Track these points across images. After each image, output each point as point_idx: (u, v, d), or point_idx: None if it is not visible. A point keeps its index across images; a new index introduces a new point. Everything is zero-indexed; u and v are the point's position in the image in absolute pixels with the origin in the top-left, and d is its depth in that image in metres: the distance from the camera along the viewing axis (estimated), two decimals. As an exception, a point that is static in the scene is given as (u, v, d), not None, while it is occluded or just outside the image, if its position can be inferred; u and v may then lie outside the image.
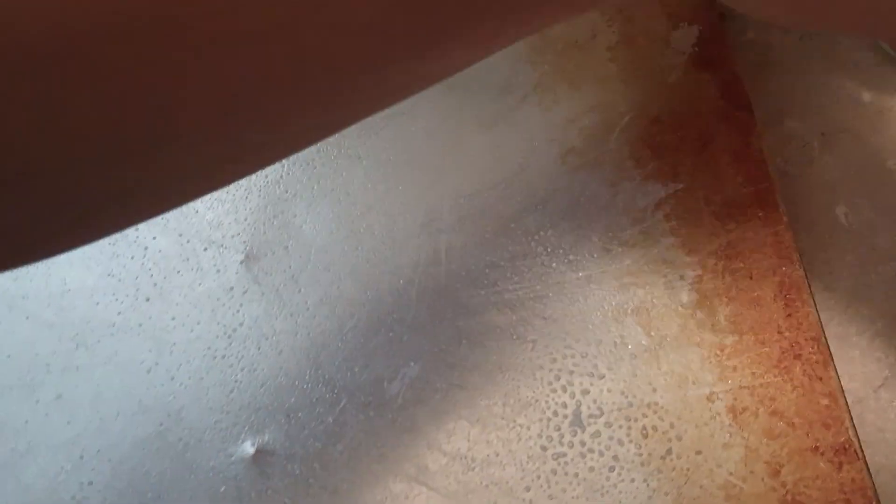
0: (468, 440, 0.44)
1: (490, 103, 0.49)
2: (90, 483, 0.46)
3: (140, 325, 0.49)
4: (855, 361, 0.43)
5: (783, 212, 0.45)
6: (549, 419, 0.44)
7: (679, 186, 0.46)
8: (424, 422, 0.45)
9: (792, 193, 0.46)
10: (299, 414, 0.46)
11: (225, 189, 0.51)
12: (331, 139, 0.50)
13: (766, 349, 0.43)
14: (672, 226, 0.46)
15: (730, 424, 0.42)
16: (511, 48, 0.52)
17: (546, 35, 0.50)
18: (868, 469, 0.41)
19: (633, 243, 0.46)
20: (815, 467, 0.41)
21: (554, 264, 0.46)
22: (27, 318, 0.50)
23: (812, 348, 0.43)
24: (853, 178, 0.47)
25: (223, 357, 0.48)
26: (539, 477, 0.43)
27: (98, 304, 0.50)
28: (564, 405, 0.44)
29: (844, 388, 0.42)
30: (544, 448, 0.43)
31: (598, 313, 0.45)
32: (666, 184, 0.47)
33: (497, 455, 0.44)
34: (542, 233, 0.47)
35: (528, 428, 0.44)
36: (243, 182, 0.51)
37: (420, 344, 0.46)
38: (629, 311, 0.45)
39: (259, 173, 0.51)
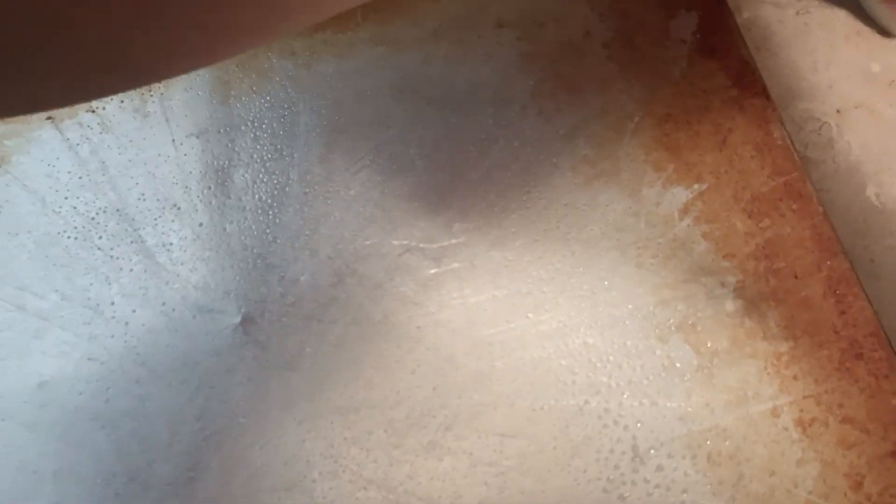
0: (523, 493, 0.39)
1: (487, 120, 0.44)
2: None
3: (133, 409, 0.42)
4: (919, 353, 0.39)
5: (817, 202, 0.41)
6: (605, 458, 0.39)
7: (703, 187, 0.42)
8: (471, 482, 0.39)
9: (818, 179, 0.42)
10: None
11: (202, 246, 0.44)
12: (322, 173, 0.44)
13: (825, 352, 0.39)
14: (703, 231, 0.41)
15: (800, 439, 0.38)
16: (498, 59, 0.47)
17: (535, 38, 0.45)
18: (953, 468, 0.37)
19: (666, 254, 0.41)
20: (898, 473, 0.37)
21: (586, 286, 0.41)
22: (3, 420, 0.43)
23: (873, 345, 0.39)
24: (877, 156, 0.43)
25: (241, 420, 0.41)
26: (607, 524, 0.38)
27: (81, 394, 0.43)
28: (619, 440, 0.39)
29: (914, 385, 0.38)
30: (606, 491, 0.38)
31: (641, 335, 0.40)
32: (689, 186, 0.42)
33: (558, 506, 0.38)
34: (566, 254, 0.42)
35: (585, 471, 0.39)
36: (221, 234, 0.44)
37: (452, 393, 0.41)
38: (673, 329, 0.40)
39: (239, 225, 0.44)
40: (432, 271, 0.42)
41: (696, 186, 0.42)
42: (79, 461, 0.42)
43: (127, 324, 0.44)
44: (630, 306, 0.41)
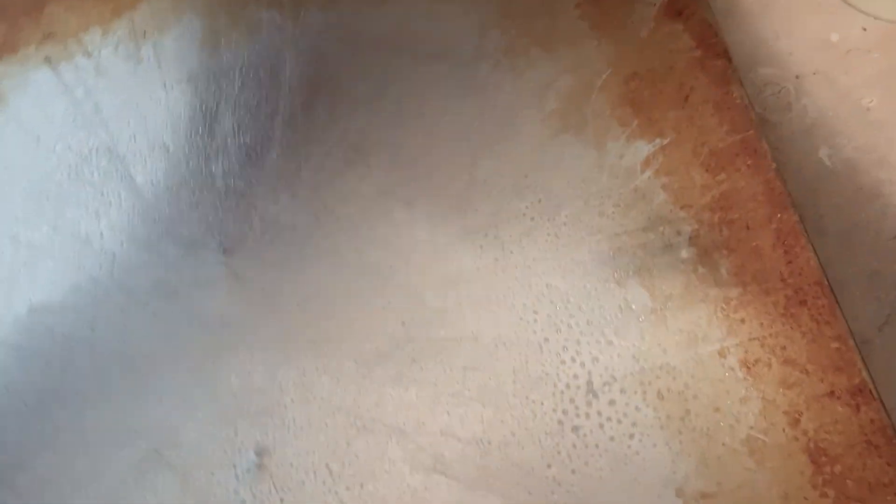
0: (482, 423, 0.41)
1: (463, 73, 0.45)
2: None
3: (120, 339, 0.44)
4: (856, 303, 0.41)
5: (771, 158, 0.43)
6: (562, 392, 0.41)
7: (665, 142, 0.43)
8: (434, 411, 0.41)
9: (774, 139, 0.44)
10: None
11: (188, 184, 0.46)
12: (304, 120, 0.46)
13: (772, 298, 0.41)
14: (663, 182, 0.43)
15: (744, 378, 0.40)
16: (476, 14, 0.48)
17: (511, -2, 0.47)
18: (885, 408, 0.39)
19: (627, 203, 0.43)
20: (834, 412, 0.39)
21: (549, 231, 0.43)
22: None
23: (816, 293, 0.40)
24: (831, 120, 0.44)
25: (210, 357, 0.43)
26: (559, 452, 0.40)
27: (68, 317, 0.45)
28: (576, 376, 0.41)
29: (853, 332, 0.40)
30: (561, 422, 0.40)
31: (600, 278, 0.42)
32: (652, 140, 0.43)
33: (514, 435, 0.40)
34: (533, 201, 0.43)
35: (542, 403, 0.41)
36: (207, 173, 0.46)
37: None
38: (631, 273, 0.42)
39: (224, 167, 0.46)
40: (404, 215, 0.44)
41: (657, 141, 0.43)
42: (62, 383, 0.44)
43: (114, 256, 0.45)
44: (590, 251, 0.42)
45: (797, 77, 0.45)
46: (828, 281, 0.41)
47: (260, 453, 0.41)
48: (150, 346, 0.44)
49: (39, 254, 0.46)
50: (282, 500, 0.40)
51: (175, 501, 0.41)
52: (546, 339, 0.41)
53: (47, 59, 0.49)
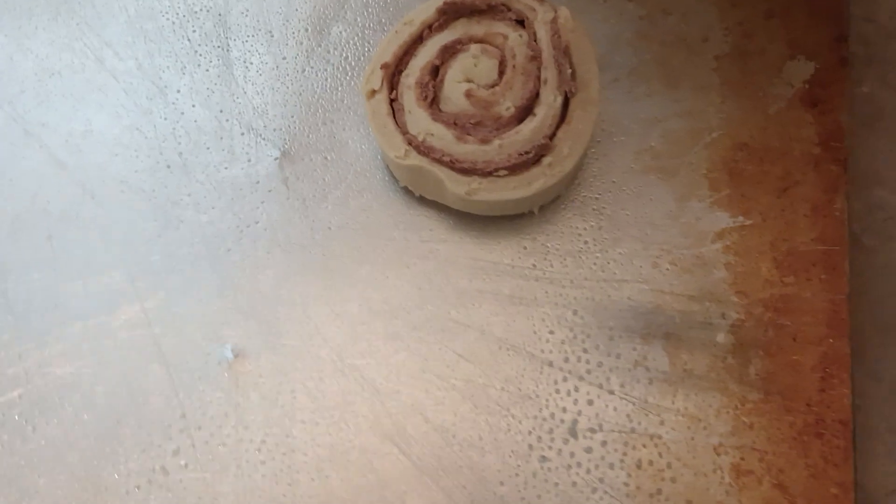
0: (455, 414, 0.38)
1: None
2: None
3: (153, 191, 0.42)
4: (877, 459, 0.37)
5: (848, 282, 0.39)
6: (544, 419, 0.38)
7: (747, 222, 0.40)
8: (414, 384, 0.39)
9: (862, 265, 0.40)
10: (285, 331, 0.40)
11: (279, 76, 0.44)
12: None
13: (790, 419, 0.37)
14: (729, 260, 0.39)
15: (730, 483, 0.36)
16: (616, 28, 0.45)
17: (656, 22, 0.43)
18: (858, 574, 0.35)
19: (685, 267, 0.39)
20: (805, 555, 0.35)
21: (597, 262, 0.40)
22: (40, 147, 0.43)
23: (837, 431, 0.36)
24: (927, 268, 0.40)
25: (228, 250, 0.41)
26: (518, 475, 0.37)
27: (117, 156, 0.43)
28: (564, 409, 0.38)
29: (859, 484, 0.36)
30: (531, 447, 0.37)
31: (628, 327, 0.39)
32: (735, 216, 0.40)
33: (481, 440, 0.37)
34: (594, 225, 0.40)
35: (521, 422, 0.38)
36: (298, 76, 0.44)
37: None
38: (660, 335, 0.38)
39: (317, 74, 0.44)
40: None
41: (740, 218, 0.40)
42: (93, 214, 0.42)
43: (182, 114, 0.44)
44: (630, 297, 0.39)
45: (910, 213, 0.41)
46: (854, 426, 0.37)
47: (237, 353, 0.39)
48: (179, 211, 0.42)
49: (117, 83, 0.44)
50: (237, 405, 0.38)
51: (140, 355, 0.39)
52: (550, 363, 0.38)
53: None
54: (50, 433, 0.38)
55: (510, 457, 0.37)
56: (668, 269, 0.39)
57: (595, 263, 0.40)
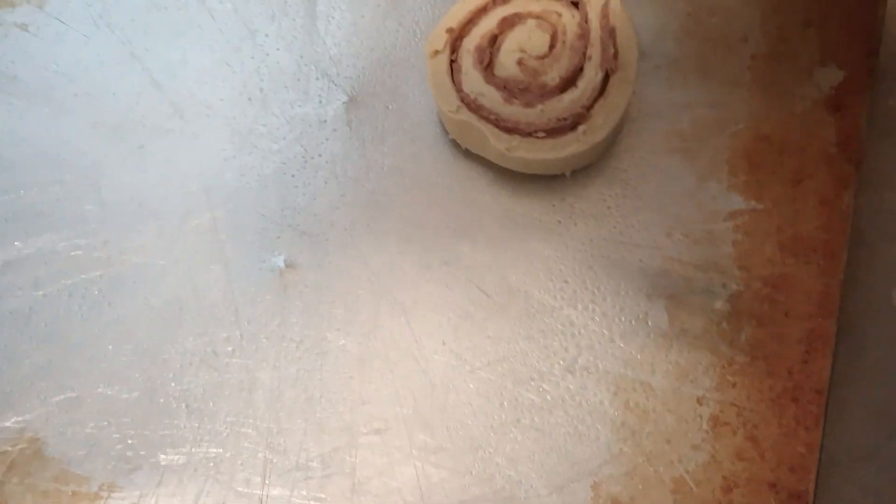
0: (470, 341, 0.42)
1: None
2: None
3: (234, 118, 0.48)
4: (847, 428, 0.40)
5: (842, 270, 0.42)
6: (546, 356, 0.42)
7: (759, 207, 0.43)
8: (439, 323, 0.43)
9: (859, 257, 0.43)
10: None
11: (356, 31, 0.49)
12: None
13: (771, 381, 0.40)
14: (736, 238, 0.43)
15: (707, 430, 0.40)
16: (664, 21, 0.49)
17: (700, 21, 0.47)
18: (812, 524, 0.38)
19: (696, 239, 0.43)
20: (766, 501, 0.39)
21: (615, 226, 0.44)
22: (143, 69, 0.49)
23: (811, 399, 0.40)
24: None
25: (292, 176, 0.46)
26: (518, 399, 0.41)
27: (206, 84, 0.49)
28: (566, 349, 0.42)
29: (825, 447, 0.39)
30: (533, 379, 0.41)
31: (636, 285, 0.43)
32: (748, 200, 0.43)
33: (489, 364, 0.42)
34: (618, 193, 0.44)
35: (527, 355, 0.42)
36: (372, 32, 0.49)
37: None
38: (664, 295, 0.42)
39: (390, 33, 0.49)
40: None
41: (753, 202, 0.43)
42: (180, 131, 0.48)
43: (267, 55, 0.49)
44: (641, 259, 0.43)
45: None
46: (829, 396, 0.40)
47: (288, 264, 0.44)
48: (254, 139, 0.47)
49: (214, 22, 0.50)
50: (283, 308, 0.43)
51: (205, 256, 0.45)
52: (560, 308, 0.43)
53: None
54: (122, 310, 0.44)
55: (513, 384, 0.41)
56: (679, 239, 0.43)
57: (615, 227, 0.44)
